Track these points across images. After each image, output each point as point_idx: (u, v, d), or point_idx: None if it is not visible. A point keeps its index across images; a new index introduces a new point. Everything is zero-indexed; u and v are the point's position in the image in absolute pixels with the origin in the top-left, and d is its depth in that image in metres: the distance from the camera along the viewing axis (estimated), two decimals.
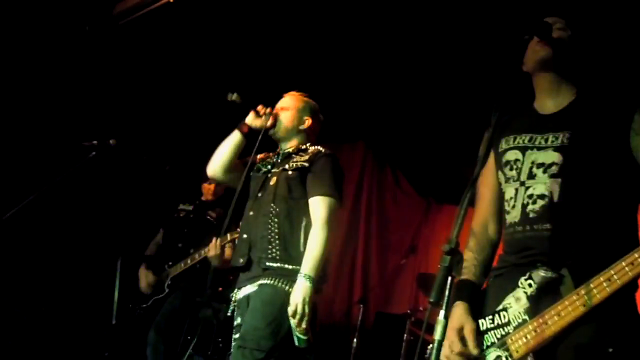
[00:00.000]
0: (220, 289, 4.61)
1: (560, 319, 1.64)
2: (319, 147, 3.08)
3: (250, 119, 3.09)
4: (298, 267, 2.72)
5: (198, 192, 4.87)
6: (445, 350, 1.82)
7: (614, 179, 1.78)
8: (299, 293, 2.61)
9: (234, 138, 3.08)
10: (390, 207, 6.77)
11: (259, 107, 3.10)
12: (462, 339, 1.80)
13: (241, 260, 2.87)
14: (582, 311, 1.60)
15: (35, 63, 4.83)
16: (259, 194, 3.00)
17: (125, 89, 5.35)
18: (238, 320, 2.84)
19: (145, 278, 4.52)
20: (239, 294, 2.89)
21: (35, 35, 4.71)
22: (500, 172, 1.98)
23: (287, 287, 2.72)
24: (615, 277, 1.57)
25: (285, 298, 2.67)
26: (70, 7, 4.68)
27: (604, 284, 1.58)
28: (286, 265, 2.78)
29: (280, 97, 3.25)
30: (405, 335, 5.00)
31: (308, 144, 3.12)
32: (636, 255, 1.55)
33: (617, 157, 1.77)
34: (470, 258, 1.99)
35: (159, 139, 5.68)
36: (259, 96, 3.23)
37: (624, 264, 1.57)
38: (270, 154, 3.22)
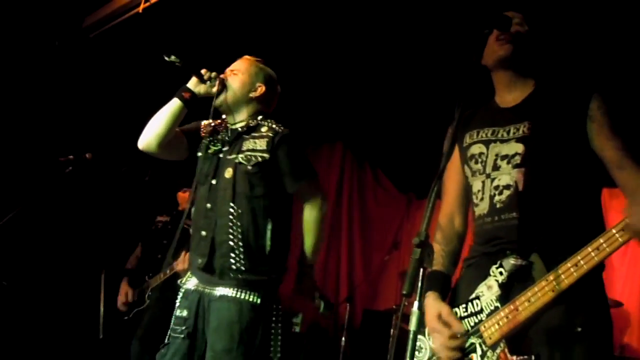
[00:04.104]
0: None
1: (530, 305, 1.68)
2: (271, 124, 2.67)
3: (193, 84, 2.65)
4: (263, 277, 2.54)
5: (174, 202, 4.78)
6: (435, 342, 1.86)
7: (575, 165, 1.83)
8: (312, 283, 2.71)
9: (172, 106, 2.61)
10: (371, 205, 6.81)
11: (203, 71, 2.63)
12: (445, 324, 1.84)
13: (200, 261, 2.55)
14: (551, 296, 1.65)
15: (7, 81, 4.79)
16: (213, 182, 2.62)
17: (99, 102, 5.33)
18: (184, 313, 2.55)
19: (124, 295, 4.47)
20: (189, 284, 2.63)
21: (5, 53, 4.68)
22: (466, 166, 2.02)
23: (249, 298, 2.50)
24: (582, 262, 1.62)
25: (251, 312, 2.48)
26: (39, 23, 4.66)
27: (572, 269, 1.63)
28: (250, 277, 2.52)
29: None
30: (392, 330, 5.04)
31: (259, 118, 2.70)
32: (601, 241, 1.60)
33: (576, 143, 1.82)
34: (438, 250, 2.02)
35: (135, 150, 5.66)
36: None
37: (589, 249, 1.61)
38: (217, 122, 2.78)
